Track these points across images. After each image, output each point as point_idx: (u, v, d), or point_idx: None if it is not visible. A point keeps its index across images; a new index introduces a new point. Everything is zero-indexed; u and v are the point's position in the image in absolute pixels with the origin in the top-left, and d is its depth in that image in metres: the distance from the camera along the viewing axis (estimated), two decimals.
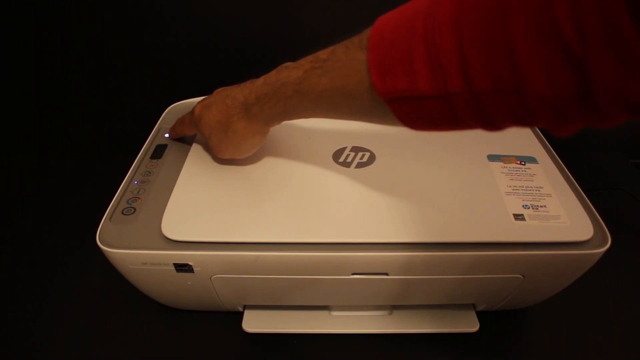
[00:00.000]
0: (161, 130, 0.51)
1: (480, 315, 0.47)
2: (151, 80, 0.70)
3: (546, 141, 0.49)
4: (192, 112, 0.43)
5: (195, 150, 0.47)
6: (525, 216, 0.39)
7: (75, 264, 0.55)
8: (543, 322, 0.49)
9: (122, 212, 0.40)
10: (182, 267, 0.38)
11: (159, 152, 0.48)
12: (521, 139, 0.48)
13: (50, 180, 0.70)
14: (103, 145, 0.76)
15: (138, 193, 0.42)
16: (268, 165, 0.44)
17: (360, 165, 0.44)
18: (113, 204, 0.41)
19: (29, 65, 0.68)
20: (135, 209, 0.41)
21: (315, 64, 0.32)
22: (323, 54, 0.31)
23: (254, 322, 0.46)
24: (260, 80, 0.37)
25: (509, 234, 0.37)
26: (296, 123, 0.50)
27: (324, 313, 0.47)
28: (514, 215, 0.39)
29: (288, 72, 0.34)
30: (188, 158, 0.45)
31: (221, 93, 0.40)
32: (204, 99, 0.42)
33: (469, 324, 0.46)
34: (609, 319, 0.50)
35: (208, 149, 0.47)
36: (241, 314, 0.47)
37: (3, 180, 0.70)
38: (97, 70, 0.69)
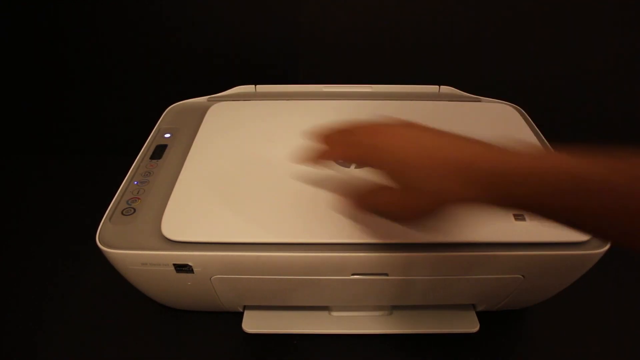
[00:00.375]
0: (161, 130, 0.51)
1: (480, 315, 0.47)
2: (151, 80, 0.70)
3: (545, 141, 0.49)
4: (362, 132, 0.31)
5: (195, 150, 0.46)
6: (526, 216, 0.38)
7: (75, 264, 0.55)
8: (543, 322, 0.49)
9: (122, 213, 0.40)
10: (182, 268, 0.38)
11: (158, 152, 0.48)
12: (521, 139, 0.48)
13: (50, 181, 0.70)
14: (103, 146, 0.76)
15: (138, 193, 0.42)
16: (268, 166, 0.44)
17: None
18: (113, 205, 0.41)
19: (29, 66, 0.68)
20: (135, 210, 0.40)
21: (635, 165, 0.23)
22: None
23: (254, 323, 0.46)
24: (519, 153, 0.28)
25: (509, 234, 0.37)
26: (295, 123, 0.50)
27: (324, 313, 0.47)
28: (514, 215, 0.39)
29: (581, 164, 0.25)
30: (188, 158, 0.45)
31: (431, 134, 0.29)
32: (383, 124, 0.30)
33: (469, 324, 0.46)
34: (609, 319, 0.50)
35: (208, 150, 0.47)
36: (241, 314, 0.47)
37: (3, 181, 0.70)
38: (97, 70, 0.69)
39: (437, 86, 0.59)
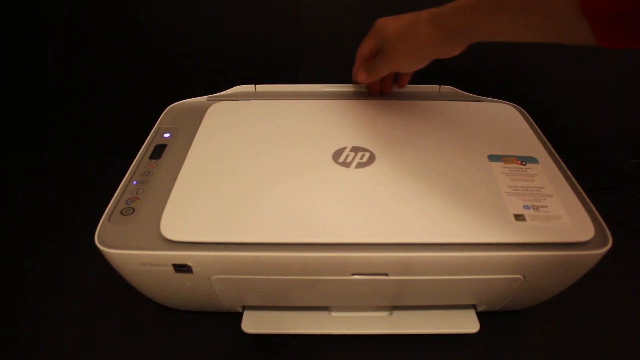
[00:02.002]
0: (160, 130, 0.51)
1: (481, 315, 0.46)
2: (151, 80, 0.70)
3: (547, 141, 0.48)
4: (372, 28, 0.48)
5: (195, 150, 0.46)
6: (526, 216, 0.38)
7: (75, 264, 0.55)
8: (543, 323, 0.49)
9: (121, 213, 0.40)
10: (181, 268, 0.37)
11: (158, 152, 0.47)
12: (522, 139, 0.48)
13: (49, 180, 0.69)
14: (102, 145, 0.76)
15: (137, 193, 0.42)
16: (267, 166, 0.44)
17: (360, 165, 0.44)
18: (112, 205, 0.41)
19: (29, 65, 0.68)
20: (134, 209, 0.40)
21: None
22: None
23: (253, 323, 0.46)
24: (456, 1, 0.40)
25: (509, 235, 0.37)
26: (295, 123, 0.50)
27: (324, 314, 0.47)
28: (515, 215, 0.38)
29: None
30: (187, 158, 0.45)
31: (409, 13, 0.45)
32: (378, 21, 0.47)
33: (469, 325, 0.46)
34: (610, 319, 0.49)
35: (208, 149, 0.46)
36: (240, 315, 0.47)
37: (2, 181, 0.70)
38: (96, 70, 0.69)
39: (438, 86, 0.59)
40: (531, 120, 0.52)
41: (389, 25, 0.45)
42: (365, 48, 0.50)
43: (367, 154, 0.45)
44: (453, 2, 0.40)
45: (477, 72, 0.68)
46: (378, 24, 0.47)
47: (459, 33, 0.41)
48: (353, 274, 0.38)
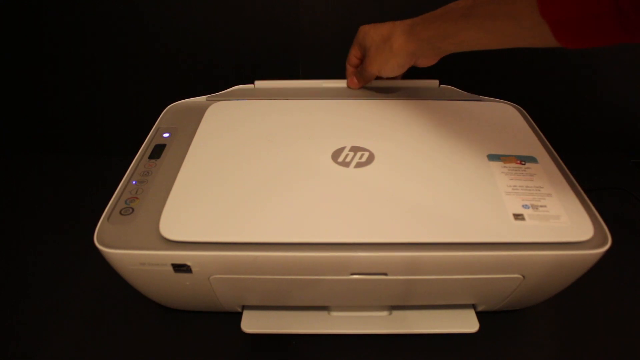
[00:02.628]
0: (159, 130, 0.51)
1: (480, 315, 0.46)
2: (150, 80, 0.70)
3: (546, 141, 0.48)
4: (356, 36, 0.53)
5: (194, 150, 0.46)
6: (525, 216, 0.38)
7: (74, 264, 0.55)
8: (543, 322, 0.49)
9: (120, 212, 0.40)
10: (180, 268, 0.37)
11: (157, 152, 0.47)
12: (521, 139, 0.48)
13: (49, 180, 0.69)
14: (102, 145, 0.76)
15: (136, 193, 0.42)
16: (267, 165, 0.44)
17: (359, 165, 0.44)
18: (111, 204, 0.41)
19: (29, 65, 0.68)
20: (133, 209, 0.40)
21: None
22: None
23: (253, 323, 0.46)
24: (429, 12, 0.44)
25: (508, 234, 0.37)
26: (295, 123, 0.50)
27: (323, 313, 0.47)
28: (514, 215, 0.38)
29: (457, 2, 0.40)
30: (186, 158, 0.45)
31: (388, 22, 0.49)
32: (361, 29, 0.52)
33: (469, 325, 0.46)
34: (609, 319, 0.49)
35: (207, 149, 0.46)
36: (240, 315, 0.47)
37: (2, 181, 0.70)
38: (96, 70, 0.69)
39: (437, 80, 0.59)
40: (531, 120, 0.52)
41: (368, 35, 0.50)
42: (352, 57, 0.55)
43: (366, 154, 0.45)
44: (425, 13, 0.43)
45: (477, 72, 0.68)
46: (360, 33, 0.51)
47: (430, 42, 0.43)
48: (352, 274, 0.38)
